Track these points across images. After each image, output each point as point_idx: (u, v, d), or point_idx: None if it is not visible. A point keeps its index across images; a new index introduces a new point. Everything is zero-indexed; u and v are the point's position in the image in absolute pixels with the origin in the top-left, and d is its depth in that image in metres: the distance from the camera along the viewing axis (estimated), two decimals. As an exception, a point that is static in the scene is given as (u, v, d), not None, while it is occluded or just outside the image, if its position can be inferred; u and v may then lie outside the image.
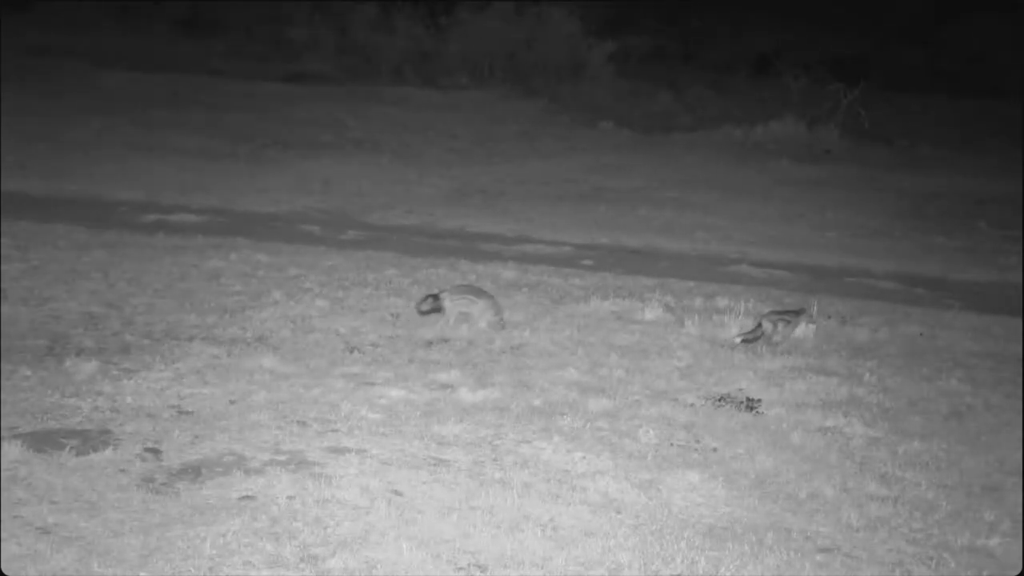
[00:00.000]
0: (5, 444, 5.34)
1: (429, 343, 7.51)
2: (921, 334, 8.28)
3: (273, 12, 24.86)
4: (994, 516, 5.24)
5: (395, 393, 6.47)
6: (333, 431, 5.86)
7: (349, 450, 5.61)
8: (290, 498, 5.02)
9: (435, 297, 7.86)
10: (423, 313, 7.85)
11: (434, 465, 5.50)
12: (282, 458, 5.46)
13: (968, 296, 9.86)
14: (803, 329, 7.93)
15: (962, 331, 8.40)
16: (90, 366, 6.56)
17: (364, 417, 6.08)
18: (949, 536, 5.02)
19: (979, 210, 13.87)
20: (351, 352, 7.23)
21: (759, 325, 7.72)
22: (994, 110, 20.78)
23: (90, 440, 5.55)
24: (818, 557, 4.77)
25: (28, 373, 6.43)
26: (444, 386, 6.65)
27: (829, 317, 8.45)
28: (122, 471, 5.22)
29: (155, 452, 5.46)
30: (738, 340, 7.62)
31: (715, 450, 5.92)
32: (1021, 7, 23.40)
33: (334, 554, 4.53)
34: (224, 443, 5.60)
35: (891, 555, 4.81)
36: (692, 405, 6.57)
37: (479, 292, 7.99)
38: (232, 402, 6.19)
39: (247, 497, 5.01)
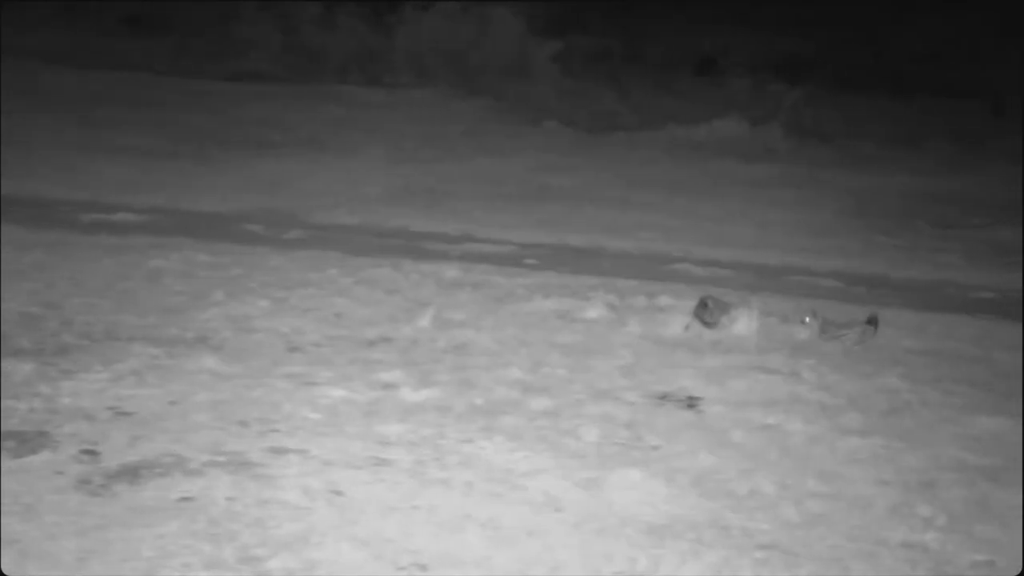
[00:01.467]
0: (-60, 447, 5.28)
1: (371, 343, 7.50)
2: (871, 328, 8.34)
3: (218, 11, 24.67)
4: (930, 512, 5.29)
5: (337, 393, 6.46)
6: (274, 431, 5.84)
7: (290, 450, 5.59)
8: (230, 499, 4.99)
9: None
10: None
11: (376, 465, 5.49)
12: (222, 459, 5.43)
13: (907, 294, 9.97)
14: (744, 327, 7.99)
15: (901, 328, 8.49)
16: (27, 367, 6.49)
17: (306, 417, 6.05)
18: (886, 532, 5.07)
19: (920, 209, 14.01)
20: (293, 352, 7.20)
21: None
22: (936, 109, 20.98)
23: (27, 442, 5.49)
24: (757, 554, 4.80)
25: (-37, 375, 6.35)
26: (386, 386, 6.64)
27: (770, 316, 8.51)
28: (59, 473, 5.17)
29: (93, 454, 5.41)
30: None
31: (656, 448, 5.94)
32: (963, 8, 23.68)
33: (274, 555, 4.51)
34: (163, 444, 5.56)
35: (829, 551, 4.86)
36: (634, 404, 6.60)
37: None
38: (172, 403, 6.15)
39: (186, 499, 4.97)
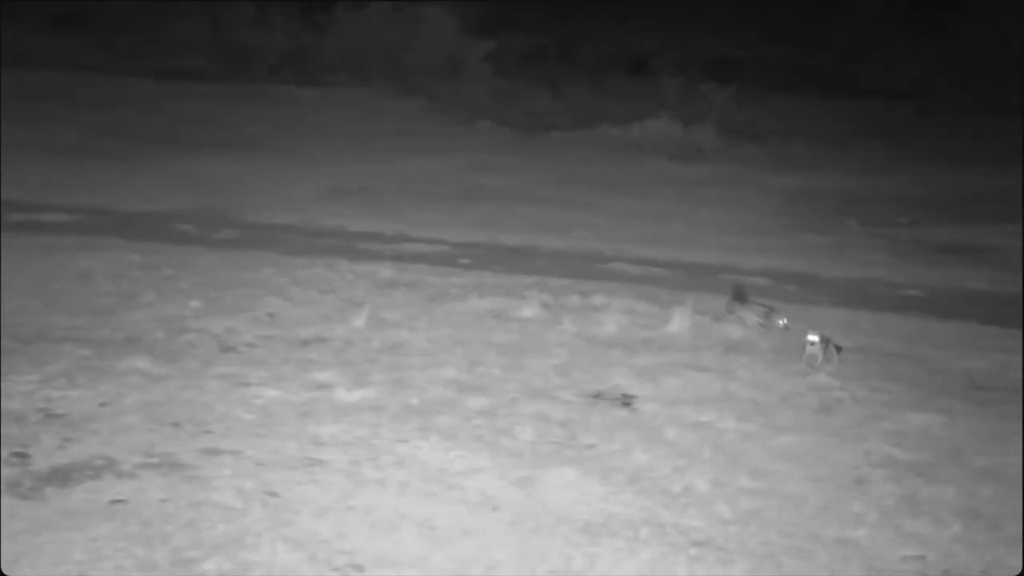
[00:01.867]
0: None
1: (306, 343, 7.46)
2: (792, 330, 8.41)
3: (148, 9, 24.43)
4: (861, 508, 5.35)
5: (271, 393, 6.42)
6: (207, 433, 5.79)
7: (223, 452, 5.55)
8: (162, 501, 4.94)
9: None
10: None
11: (310, 465, 5.46)
12: (154, 461, 5.38)
13: (837, 292, 10.07)
14: (677, 325, 8.05)
15: (831, 327, 8.56)
16: (-45, 370, 6.40)
17: (239, 418, 6.01)
18: (818, 528, 5.12)
19: (848, 208, 14.16)
20: (226, 352, 7.15)
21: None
22: (863, 109, 21.23)
23: (-45, 445, 5.41)
24: (692, 551, 4.83)
25: None
26: (321, 386, 6.61)
27: (703, 314, 8.57)
28: (-12, 476, 5.10)
29: (23, 456, 5.34)
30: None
31: (591, 446, 5.97)
32: (888, 8, 23.98)
33: (208, 557, 4.47)
34: (94, 446, 5.50)
35: (763, 547, 4.90)
36: (569, 402, 6.62)
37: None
38: (103, 404, 6.08)
39: (118, 501, 4.92)
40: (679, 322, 8.18)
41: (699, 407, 6.62)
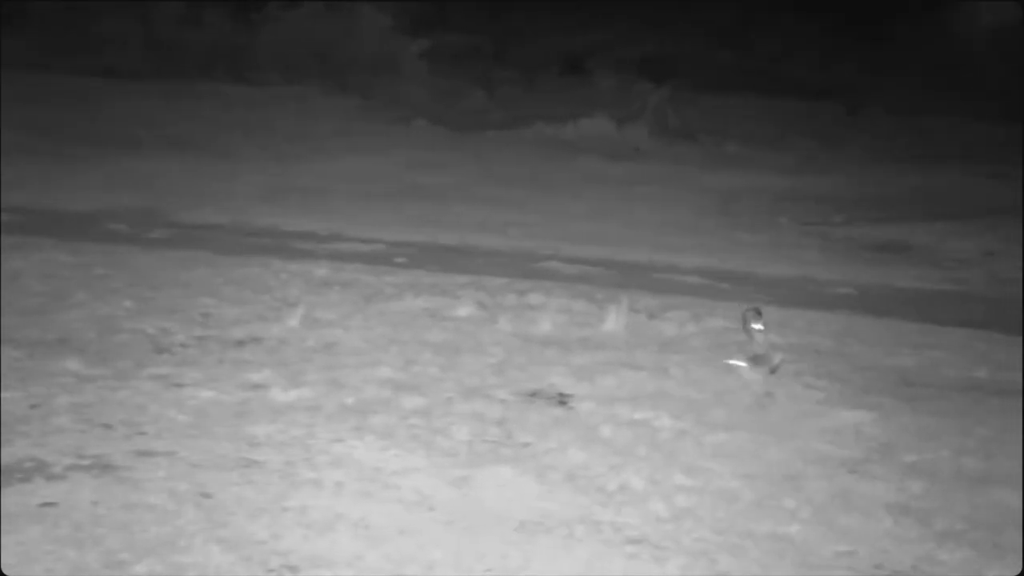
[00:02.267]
0: None
1: (240, 343, 7.41)
2: (726, 328, 8.47)
3: (77, 6, 24.13)
4: (794, 504, 5.40)
5: (205, 394, 6.37)
6: (140, 434, 5.74)
7: (157, 453, 5.50)
8: (94, 503, 4.89)
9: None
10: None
11: (245, 466, 5.42)
12: (86, 463, 5.32)
13: (770, 290, 10.16)
14: (612, 324, 8.09)
15: (765, 324, 8.63)
16: None
17: (172, 419, 5.96)
18: (752, 524, 5.16)
19: (781, 206, 14.30)
20: (159, 353, 7.09)
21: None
22: (795, 109, 21.44)
23: None
24: (627, 548, 4.85)
25: None
26: (255, 386, 6.57)
27: (638, 312, 8.61)
28: (-85, 480, 5.02)
29: (-49, 460, 5.26)
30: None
31: (527, 445, 5.97)
32: (821, 10, 24.21)
33: (140, 560, 4.43)
34: (24, 448, 5.42)
35: (697, 544, 4.92)
36: (505, 401, 6.62)
37: None
38: (33, 406, 6.00)
39: (48, 504, 4.86)
40: (614, 321, 8.21)
41: (634, 405, 6.65)
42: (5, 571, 4.07)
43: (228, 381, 6.62)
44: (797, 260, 11.58)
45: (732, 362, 7.24)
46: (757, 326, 7.17)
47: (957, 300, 10.24)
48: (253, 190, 13.53)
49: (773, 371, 7.10)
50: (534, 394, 6.75)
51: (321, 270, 9.57)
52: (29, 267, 8.91)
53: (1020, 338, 8.67)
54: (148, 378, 6.58)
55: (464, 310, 8.48)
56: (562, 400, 6.68)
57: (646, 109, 19.63)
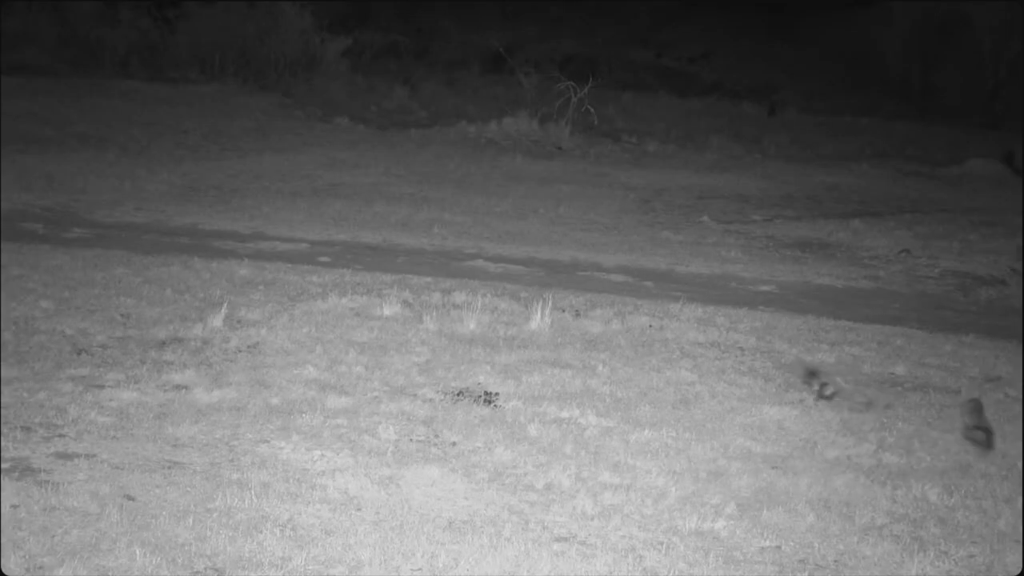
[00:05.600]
0: None
1: (162, 343, 7.32)
2: (650, 326, 8.52)
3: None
4: (719, 500, 5.45)
5: (126, 395, 6.29)
6: (60, 436, 5.65)
7: (78, 455, 5.42)
8: (14, 507, 4.81)
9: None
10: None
11: (168, 468, 5.36)
12: (5, 465, 5.24)
13: (693, 288, 10.23)
14: (537, 323, 8.11)
15: (688, 322, 8.71)
16: None
17: (93, 421, 5.88)
18: (678, 521, 5.20)
19: (703, 205, 14.40)
20: (79, 354, 6.98)
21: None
22: (714, 108, 21.62)
23: None
24: (555, 546, 4.87)
25: None
26: (178, 387, 6.50)
27: (563, 311, 8.63)
28: None
29: None
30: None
31: (454, 444, 5.97)
32: (739, 11, 24.45)
33: (62, 563, 4.36)
34: (-59, 452, 5.33)
35: (624, 541, 4.95)
36: (431, 400, 6.61)
37: None
38: (-50, 409, 5.89)
39: (-33, 508, 4.78)
40: (539, 319, 8.22)
41: (561, 403, 6.66)
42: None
43: (150, 382, 6.54)
44: (718, 258, 11.67)
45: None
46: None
47: (874, 297, 10.37)
48: (171, 189, 13.37)
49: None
50: (461, 393, 6.75)
51: (243, 269, 9.48)
52: (-57, 268, 8.74)
53: (937, 335, 8.83)
54: (67, 379, 6.48)
55: (389, 309, 8.45)
56: (489, 399, 6.68)
57: (568, 108, 19.68)
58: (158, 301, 8.30)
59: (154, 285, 8.69)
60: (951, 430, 6.66)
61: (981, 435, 6.96)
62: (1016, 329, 9.15)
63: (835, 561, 4.89)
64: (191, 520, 4.83)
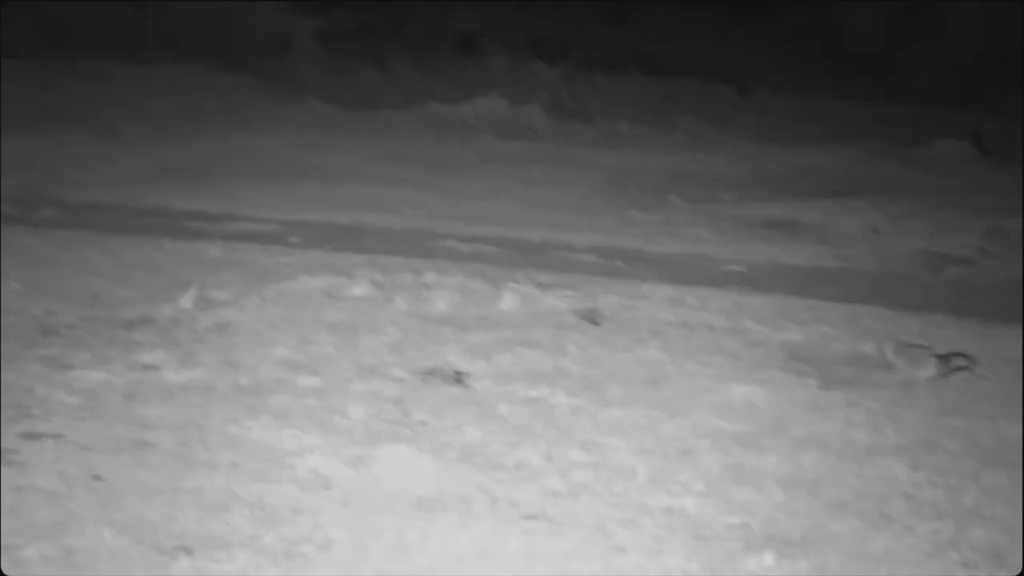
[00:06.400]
0: None
1: (131, 324, 7.30)
2: (621, 305, 8.55)
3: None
4: (688, 477, 5.47)
5: (95, 376, 6.27)
6: (27, 417, 5.63)
7: (45, 436, 5.40)
8: (-19, 488, 4.80)
9: None
10: None
11: (137, 448, 5.36)
12: (-30, 446, 5.22)
13: (663, 267, 10.26)
14: (508, 302, 8.13)
15: (658, 301, 8.74)
16: None
17: (61, 401, 5.86)
18: (647, 498, 5.22)
19: (673, 185, 14.41)
20: (46, 335, 6.96)
21: None
22: (685, 88, 21.60)
23: None
24: (524, 524, 4.88)
25: None
26: (147, 367, 6.48)
27: (534, 290, 8.64)
28: None
29: None
30: None
31: (424, 424, 5.98)
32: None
33: (30, 543, 4.35)
34: (-93, 434, 5.30)
35: (593, 519, 4.97)
36: (401, 380, 6.61)
37: None
38: (-84, 390, 5.87)
39: (-66, 489, 4.76)
40: (510, 299, 8.23)
41: (531, 383, 6.68)
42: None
43: (118, 362, 6.52)
44: (689, 238, 11.70)
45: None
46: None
47: (844, 276, 10.43)
48: (141, 169, 13.30)
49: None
50: (431, 372, 6.75)
51: (214, 250, 9.46)
52: (-91, 248, 8.68)
53: (905, 313, 8.90)
54: (35, 360, 6.46)
55: (360, 289, 8.44)
56: (459, 378, 6.69)
57: (540, 89, 19.66)
58: (127, 282, 8.28)
59: (123, 266, 8.66)
60: (917, 407, 6.72)
61: (962, 360, 7.21)
62: (984, 309, 9.23)
63: (802, 537, 4.92)
64: (160, 500, 4.82)
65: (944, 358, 7.28)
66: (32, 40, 22.27)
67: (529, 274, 9.07)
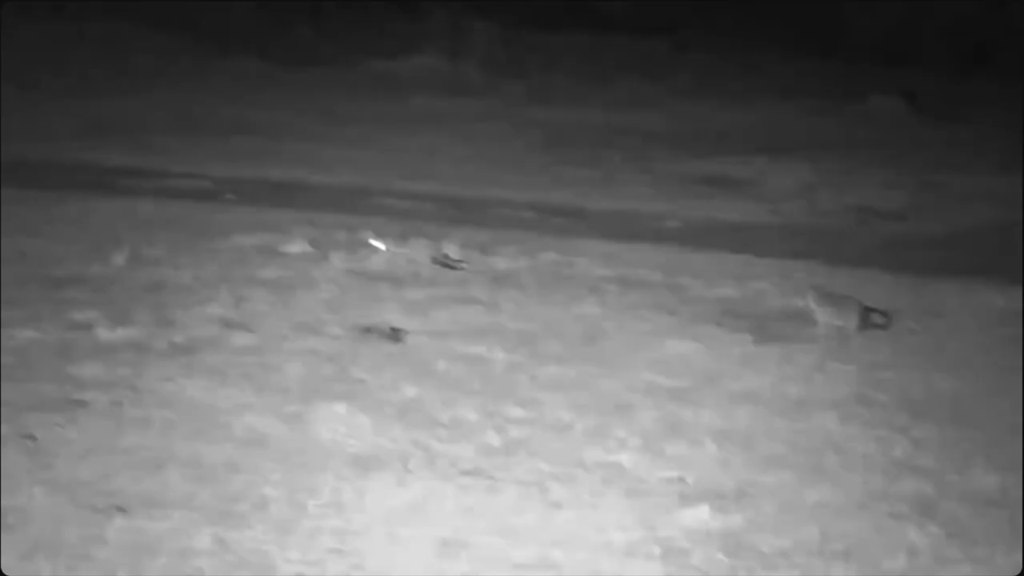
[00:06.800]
0: None
1: (62, 281, 7.21)
2: (557, 262, 8.56)
3: None
4: (624, 433, 5.50)
5: (26, 334, 6.19)
6: (-42, 376, 5.56)
7: (-24, 395, 5.34)
8: (-90, 449, 4.74)
9: None
10: None
11: (70, 407, 5.30)
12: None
13: (600, 224, 10.28)
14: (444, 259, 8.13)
15: (595, 257, 8.77)
16: None
17: (-8, 360, 5.79)
18: (583, 453, 5.24)
19: (611, 142, 14.44)
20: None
21: None
22: (623, 45, 21.58)
23: None
24: (461, 480, 4.89)
25: None
26: (80, 325, 6.41)
27: (471, 247, 8.64)
28: None
29: None
30: None
31: (361, 381, 5.96)
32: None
33: (-39, 504, 4.30)
34: None
35: (530, 475, 4.99)
36: (338, 337, 6.59)
37: None
38: None
39: None
40: (446, 256, 8.21)
41: (468, 339, 6.68)
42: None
43: (50, 320, 6.44)
44: (625, 195, 11.74)
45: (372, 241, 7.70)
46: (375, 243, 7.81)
47: (779, 232, 10.51)
48: (69, 126, 13.12)
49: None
50: (368, 330, 6.73)
51: (146, 207, 9.36)
52: None
53: (838, 268, 8.99)
54: (-35, 319, 6.37)
55: (295, 247, 8.40)
56: (395, 336, 6.68)
57: (476, 45, 19.56)
58: (58, 239, 8.18)
59: (53, 223, 8.55)
60: (849, 361, 6.81)
61: (881, 317, 7.35)
62: (916, 263, 9.35)
63: (736, 491, 4.97)
64: (94, 459, 4.78)
65: (864, 314, 7.37)
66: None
67: (467, 231, 9.05)
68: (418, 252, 8.15)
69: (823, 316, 7.40)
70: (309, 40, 20.45)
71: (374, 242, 7.85)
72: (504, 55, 19.55)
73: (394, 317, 7.02)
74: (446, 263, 8.04)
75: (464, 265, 8.02)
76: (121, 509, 4.38)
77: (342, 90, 17.08)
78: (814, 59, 20.32)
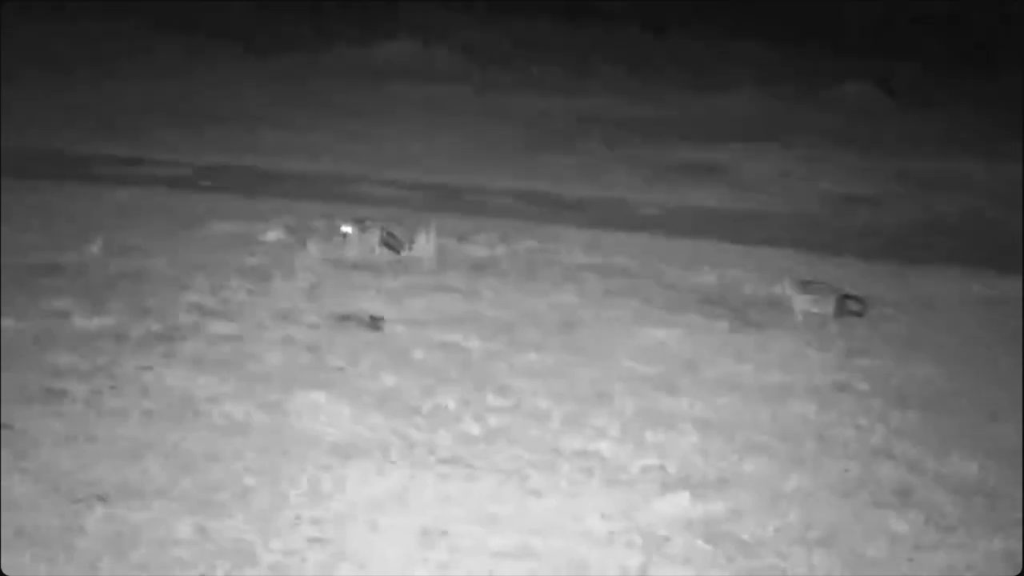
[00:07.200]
0: None
1: (39, 270, 7.17)
2: (535, 250, 8.56)
3: None
4: (603, 421, 5.52)
5: (3, 322, 6.16)
6: (-66, 365, 5.53)
7: (-47, 385, 5.31)
8: None
9: None
10: None
11: (48, 396, 5.28)
12: None
13: (579, 212, 10.28)
14: (422, 247, 8.11)
15: (574, 245, 8.77)
16: None
17: (-32, 349, 5.76)
18: (562, 441, 5.26)
19: (590, 129, 14.42)
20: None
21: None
22: (602, 32, 21.55)
23: None
24: (441, 468, 4.90)
25: None
26: (57, 314, 6.38)
27: (449, 235, 8.62)
28: None
29: None
30: None
31: (340, 369, 5.96)
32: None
33: (-61, 494, 4.29)
34: None
35: (509, 463, 5.00)
36: (316, 326, 6.59)
37: None
38: None
39: None
40: (424, 244, 8.21)
41: (446, 327, 6.68)
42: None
43: (27, 309, 6.41)
44: (604, 182, 11.73)
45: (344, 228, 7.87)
46: (345, 228, 7.95)
47: (755, 219, 10.53)
48: (44, 114, 13.01)
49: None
50: (346, 318, 6.73)
51: (124, 194, 9.30)
52: None
53: (815, 256, 9.02)
54: (-60, 307, 6.33)
55: (273, 235, 8.38)
56: (374, 324, 6.67)
57: (453, 31, 19.49)
58: (33, 227, 8.12)
59: (29, 211, 8.49)
60: (828, 348, 6.84)
61: (857, 304, 7.39)
62: (892, 250, 9.40)
63: (716, 478, 4.99)
64: (72, 448, 4.77)
65: (840, 301, 7.39)
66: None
67: (444, 219, 9.04)
68: (374, 237, 8.14)
69: (800, 303, 7.43)
70: (287, 28, 20.32)
71: (345, 228, 7.88)
72: (481, 42, 19.47)
73: (372, 305, 7.01)
74: (389, 243, 8.05)
75: (405, 249, 8.03)
76: (101, 498, 4.37)
77: (318, 76, 17.00)
78: (790, 46, 20.33)
